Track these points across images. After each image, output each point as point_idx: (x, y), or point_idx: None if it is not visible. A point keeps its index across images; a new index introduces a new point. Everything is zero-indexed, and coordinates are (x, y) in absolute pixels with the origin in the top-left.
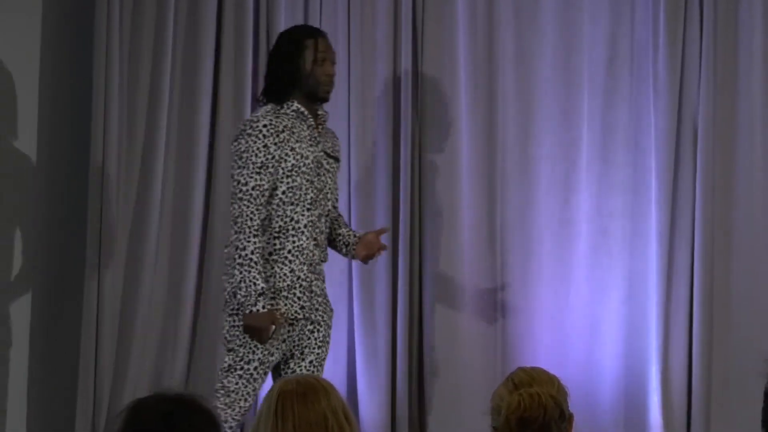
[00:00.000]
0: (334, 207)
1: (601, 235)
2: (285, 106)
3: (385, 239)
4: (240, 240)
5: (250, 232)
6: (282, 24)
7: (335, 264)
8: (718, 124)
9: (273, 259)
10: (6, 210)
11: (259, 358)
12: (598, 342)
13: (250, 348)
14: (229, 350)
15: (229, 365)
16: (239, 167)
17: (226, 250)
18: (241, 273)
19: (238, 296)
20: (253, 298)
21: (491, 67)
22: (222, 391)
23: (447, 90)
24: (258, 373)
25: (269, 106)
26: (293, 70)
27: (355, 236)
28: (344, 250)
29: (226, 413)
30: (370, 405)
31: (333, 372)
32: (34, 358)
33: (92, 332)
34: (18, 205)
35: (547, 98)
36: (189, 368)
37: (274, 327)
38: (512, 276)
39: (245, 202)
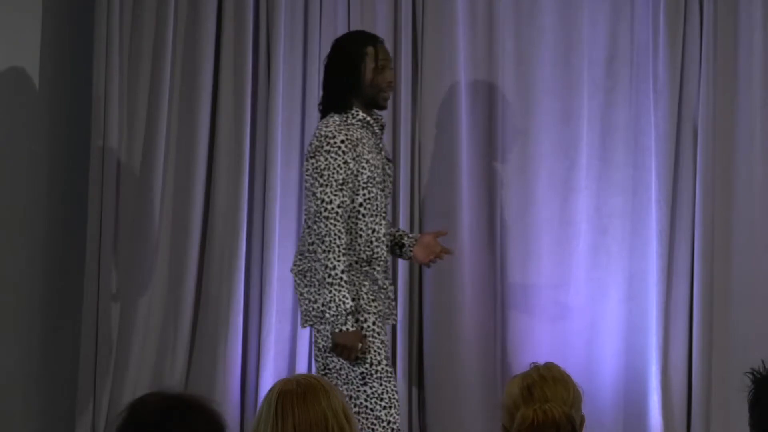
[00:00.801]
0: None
1: (600, 234)
2: (350, 116)
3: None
4: (329, 259)
5: (339, 251)
6: (282, 24)
7: None
8: (718, 123)
9: (365, 270)
10: (6, 210)
11: (385, 356)
12: (597, 342)
13: (376, 350)
14: (357, 360)
15: (362, 373)
16: (321, 185)
17: (296, 269)
18: (330, 292)
19: (327, 315)
20: (343, 317)
21: (491, 67)
22: (374, 398)
23: (446, 90)
24: (390, 368)
25: (337, 118)
26: (354, 79)
27: (408, 237)
28: (397, 252)
29: (390, 413)
30: None
31: None
32: (33, 358)
33: (92, 332)
34: (18, 205)
35: (547, 98)
36: (189, 368)
37: (360, 345)
38: (512, 276)
39: (332, 221)
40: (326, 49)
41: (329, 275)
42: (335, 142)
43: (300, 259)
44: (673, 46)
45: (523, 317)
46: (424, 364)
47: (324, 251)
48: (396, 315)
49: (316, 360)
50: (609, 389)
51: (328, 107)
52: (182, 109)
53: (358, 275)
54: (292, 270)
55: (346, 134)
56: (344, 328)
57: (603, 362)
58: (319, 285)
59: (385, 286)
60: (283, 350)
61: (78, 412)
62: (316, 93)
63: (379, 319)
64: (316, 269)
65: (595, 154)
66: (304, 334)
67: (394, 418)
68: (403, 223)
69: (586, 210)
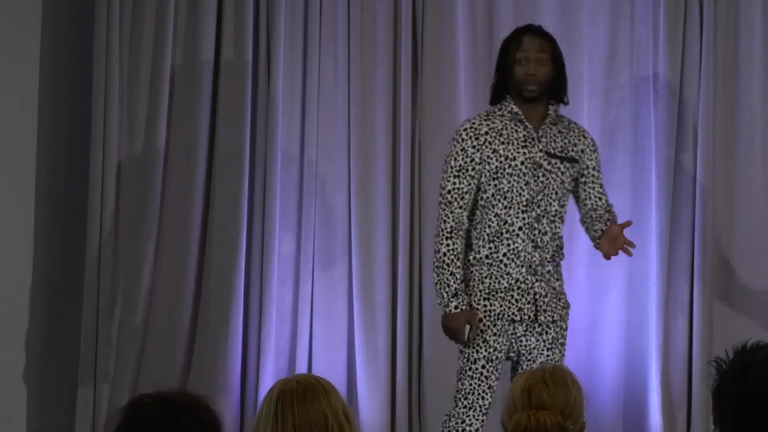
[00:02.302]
0: (602, 206)
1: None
2: (502, 107)
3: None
4: (436, 243)
5: (443, 235)
6: (282, 24)
7: (336, 264)
8: (718, 123)
9: (488, 263)
10: (6, 210)
11: (484, 356)
12: (598, 341)
13: (475, 347)
14: (460, 351)
15: (461, 368)
16: (443, 171)
17: None
18: (437, 276)
19: (436, 298)
20: (446, 299)
21: (491, 66)
22: (460, 395)
23: (447, 90)
24: (488, 371)
25: (488, 109)
26: (504, 70)
27: (601, 231)
28: (595, 245)
29: (468, 415)
30: (370, 405)
31: (332, 372)
32: (33, 358)
33: (92, 332)
34: (18, 205)
35: None
36: (189, 368)
37: (469, 327)
38: None
39: (442, 206)
40: (326, 49)
41: (436, 258)
42: (459, 131)
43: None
44: (673, 46)
45: None
46: (424, 363)
47: (435, 235)
48: (560, 312)
49: None
50: (609, 389)
51: (492, 97)
52: (182, 109)
53: (481, 270)
54: None
55: (473, 123)
56: (447, 310)
57: (603, 362)
58: (437, 243)
59: (524, 282)
60: (283, 350)
61: (78, 411)
62: (315, 93)
63: (489, 317)
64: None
65: None
66: (304, 334)
67: (471, 420)
68: (402, 223)
69: None
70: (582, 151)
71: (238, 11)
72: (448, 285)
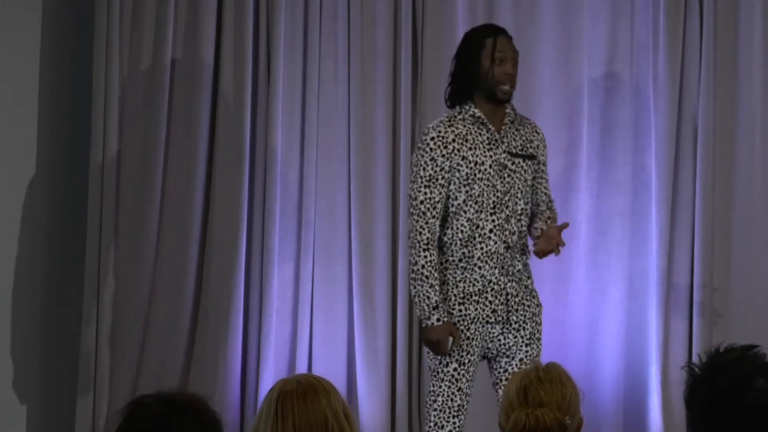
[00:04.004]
0: (544, 201)
1: (600, 234)
2: (463, 111)
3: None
4: (412, 255)
5: (420, 247)
6: (282, 24)
7: (336, 264)
8: (718, 123)
9: (462, 266)
10: (6, 210)
11: (456, 359)
12: (597, 342)
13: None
14: (428, 352)
15: (432, 369)
16: (411, 182)
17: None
18: (414, 288)
19: (416, 311)
20: (428, 312)
21: None
22: (431, 397)
23: None
24: (459, 374)
25: (445, 116)
26: (472, 71)
27: (541, 230)
28: (534, 243)
29: (439, 417)
30: (370, 405)
31: (332, 372)
32: (34, 358)
33: (92, 332)
34: (18, 205)
35: (547, 98)
36: (189, 368)
37: (452, 338)
38: None
39: (415, 217)
40: (326, 49)
41: (413, 270)
42: (426, 140)
43: None
44: (673, 46)
45: None
46: (424, 363)
47: (410, 247)
48: (523, 314)
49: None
50: (609, 389)
51: (452, 101)
52: (182, 109)
53: (456, 273)
54: None
55: (439, 131)
56: (429, 323)
57: (603, 362)
58: (412, 260)
59: (497, 283)
60: (283, 350)
61: (78, 413)
62: (315, 93)
63: (462, 322)
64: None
65: (595, 154)
66: (304, 334)
67: (443, 422)
68: (402, 223)
69: (586, 210)
70: (537, 146)
71: (238, 11)
72: (428, 297)
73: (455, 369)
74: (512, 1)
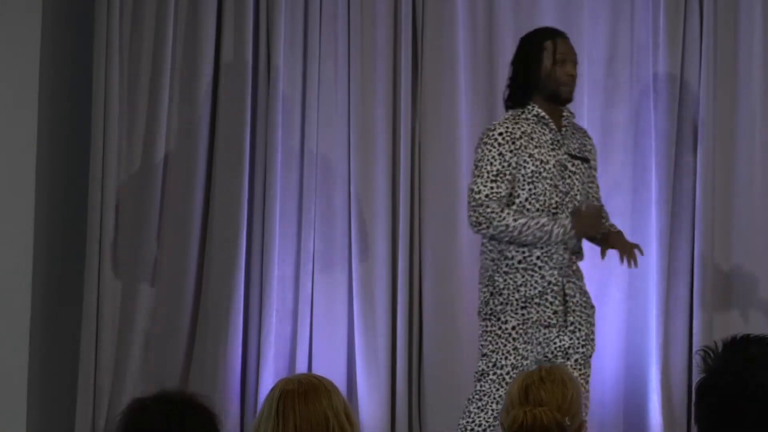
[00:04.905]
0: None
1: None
2: (526, 111)
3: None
4: (499, 228)
5: (495, 224)
6: (282, 24)
7: (336, 264)
8: (718, 123)
9: (523, 267)
10: (6, 210)
11: (512, 363)
12: (597, 341)
13: (503, 353)
14: (483, 355)
15: (483, 370)
16: (475, 176)
17: (480, 263)
18: (532, 238)
19: (552, 238)
20: (558, 228)
21: (491, 66)
22: (476, 395)
23: (447, 90)
24: (511, 377)
25: (509, 113)
26: (533, 73)
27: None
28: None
29: (479, 417)
30: (370, 405)
31: (332, 371)
32: (33, 358)
33: (92, 332)
34: (18, 205)
35: None
36: (189, 368)
37: (585, 210)
38: None
39: (481, 209)
40: (326, 49)
41: (510, 235)
42: (493, 135)
43: (480, 255)
44: (673, 46)
45: None
46: (424, 363)
47: (491, 237)
48: (580, 315)
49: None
50: (609, 389)
51: (512, 103)
52: (182, 109)
53: (515, 276)
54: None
55: (507, 127)
56: (568, 227)
57: (603, 362)
58: (513, 241)
59: (557, 284)
60: (283, 350)
61: (78, 412)
62: (316, 93)
63: (522, 326)
64: (485, 267)
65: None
66: (304, 334)
67: (482, 420)
68: (402, 223)
69: None
70: (590, 151)
71: (238, 11)
72: (542, 225)
73: (508, 373)
74: (512, 1)
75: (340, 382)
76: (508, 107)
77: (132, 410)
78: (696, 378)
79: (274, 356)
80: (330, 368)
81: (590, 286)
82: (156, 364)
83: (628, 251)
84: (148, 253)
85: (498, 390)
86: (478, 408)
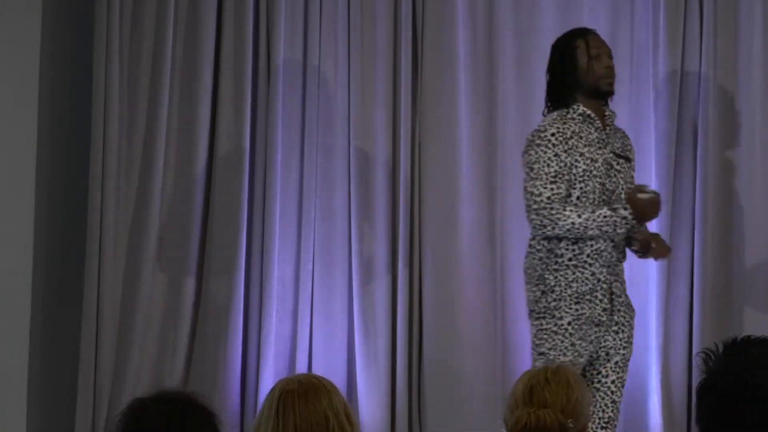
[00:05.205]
0: None
1: None
2: (571, 111)
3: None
4: (565, 227)
5: (560, 223)
6: (282, 24)
7: (336, 264)
8: (718, 124)
9: (573, 264)
10: (6, 210)
11: (570, 360)
12: None
13: (561, 350)
14: (540, 354)
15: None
16: (531, 179)
17: (524, 266)
18: (598, 231)
19: (617, 229)
20: (619, 219)
21: (491, 66)
22: None
23: (447, 90)
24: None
25: (555, 114)
26: (571, 73)
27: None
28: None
29: None
30: (370, 405)
31: (332, 370)
32: (33, 358)
33: (92, 332)
34: (18, 205)
35: None
36: (189, 368)
37: (643, 195)
38: (512, 275)
39: (545, 211)
40: (326, 49)
41: (576, 232)
42: (545, 136)
43: (525, 256)
44: (673, 46)
45: (523, 317)
46: (424, 363)
47: (552, 230)
48: (624, 316)
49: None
50: None
51: (553, 106)
52: (182, 109)
53: (567, 273)
54: (523, 266)
55: (558, 128)
56: (632, 221)
57: None
58: (580, 237)
59: (606, 282)
60: (283, 350)
61: (78, 411)
62: (315, 93)
63: (577, 321)
64: (533, 266)
65: None
66: (304, 334)
67: None
68: (402, 223)
69: None
70: (629, 150)
71: (238, 11)
72: (605, 215)
73: None
74: (512, 1)
75: (339, 382)
76: (548, 111)
77: (132, 410)
78: (696, 378)
79: (274, 356)
80: (330, 368)
81: None
82: (156, 364)
83: (666, 254)
84: (148, 252)
85: None
86: None
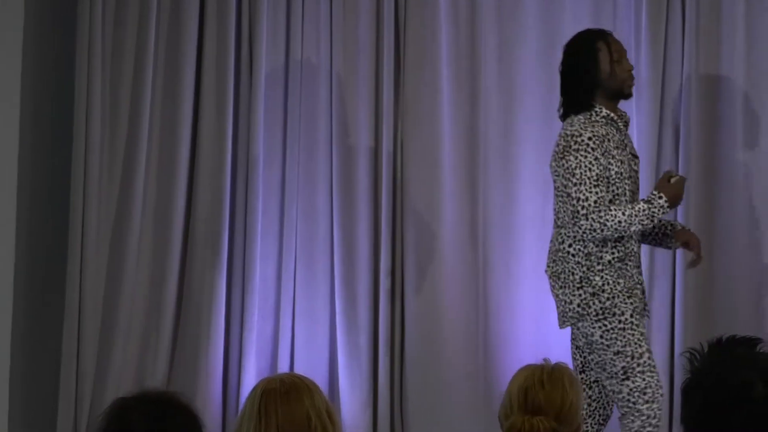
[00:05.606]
0: None
1: None
2: (594, 113)
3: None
4: (614, 228)
5: (614, 225)
6: (264, 24)
7: (318, 262)
8: (700, 123)
9: (617, 266)
10: None
11: (647, 348)
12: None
13: (635, 343)
14: (616, 354)
15: (624, 367)
16: (575, 184)
17: (549, 271)
18: (641, 225)
19: (655, 220)
20: (653, 209)
21: (473, 63)
22: (636, 394)
23: (428, 87)
24: (653, 360)
25: (582, 116)
26: (593, 75)
27: (671, 227)
28: (666, 241)
29: (652, 409)
30: (352, 403)
31: (314, 369)
32: (15, 358)
33: (74, 332)
34: (0, 204)
35: (529, 94)
36: (171, 367)
37: (673, 177)
38: (494, 272)
39: (594, 215)
40: (309, 46)
41: (623, 229)
42: (582, 140)
43: (554, 261)
44: (655, 45)
45: (505, 315)
46: (406, 361)
47: (602, 233)
48: (649, 311)
49: (573, 359)
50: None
51: (569, 110)
52: (164, 109)
53: (611, 273)
54: (546, 271)
55: (592, 131)
56: (660, 202)
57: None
58: (623, 234)
59: (640, 282)
60: (265, 349)
61: (60, 412)
62: (298, 92)
63: (636, 314)
64: (570, 270)
65: None
66: (286, 333)
67: (654, 412)
68: (384, 221)
69: None
70: (635, 149)
71: (220, 9)
72: (644, 209)
73: (650, 357)
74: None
75: (321, 381)
76: (568, 113)
77: (114, 410)
78: (679, 378)
79: (256, 355)
80: (312, 367)
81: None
82: (138, 363)
83: (698, 247)
84: (131, 252)
85: (652, 377)
86: (647, 402)
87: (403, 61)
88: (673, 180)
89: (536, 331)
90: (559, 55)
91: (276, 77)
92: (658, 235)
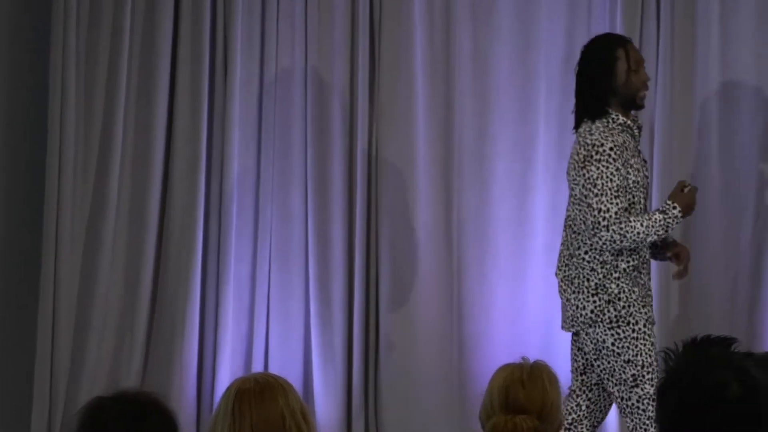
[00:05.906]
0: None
1: (557, 233)
2: (610, 121)
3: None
4: (633, 240)
5: (633, 235)
6: (239, 24)
7: (292, 263)
8: (674, 124)
9: (633, 275)
10: None
11: (655, 358)
12: (554, 340)
13: (647, 353)
14: (627, 362)
15: (634, 375)
16: (596, 195)
17: (561, 274)
18: (654, 235)
19: (669, 229)
20: (668, 218)
21: (448, 65)
22: (646, 401)
23: (404, 88)
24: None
25: (599, 124)
26: (609, 82)
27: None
28: (658, 254)
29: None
30: (326, 402)
31: (289, 369)
32: None
33: (48, 332)
34: None
35: (504, 96)
36: (145, 366)
37: (686, 187)
38: (469, 274)
39: (615, 227)
40: (283, 48)
41: (641, 239)
42: (604, 150)
43: (566, 265)
44: None
45: (479, 315)
46: (380, 361)
47: (621, 243)
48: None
49: (574, 360)
50: (566, 387)
51: (582, 114)
52: (139, 110)
53: (627, 281)
54: (557, 274)
55: (613, 140)
56: (674, 213)
57: (559, 360)
58: (642, 240)
59: (650, 290)
60: (239, 349)
61: (34, 411)
62: (272, 93)
63: (648, 323)
64: (585, 276)
65: (552, 153)
66: (260, 332)
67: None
68: (359, 221)
69: (542, 208)
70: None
71: (195, 9)
72: (658, 219)
73: (657, 365)
74: (469, 0)
75: (296, 381)
76: (579, 118)
77: (90, 409)
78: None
79: (230, 355)
80: (286, 367)
81: (547, 285)
82: (112, 363)
83: (687, 260)
84: (105, 252)
85: None
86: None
87: (378, 63)
88: (686, 190)
89: (511, 332)
90: (534, 57)
91: (251, 78)
92: (652, 246)
